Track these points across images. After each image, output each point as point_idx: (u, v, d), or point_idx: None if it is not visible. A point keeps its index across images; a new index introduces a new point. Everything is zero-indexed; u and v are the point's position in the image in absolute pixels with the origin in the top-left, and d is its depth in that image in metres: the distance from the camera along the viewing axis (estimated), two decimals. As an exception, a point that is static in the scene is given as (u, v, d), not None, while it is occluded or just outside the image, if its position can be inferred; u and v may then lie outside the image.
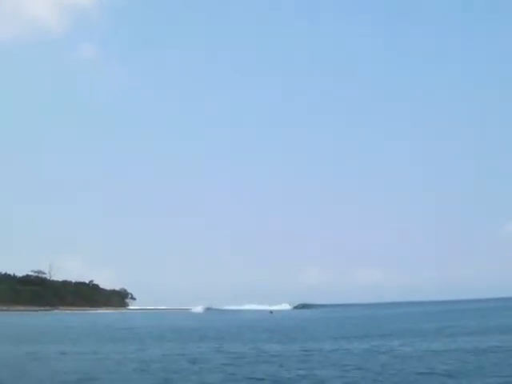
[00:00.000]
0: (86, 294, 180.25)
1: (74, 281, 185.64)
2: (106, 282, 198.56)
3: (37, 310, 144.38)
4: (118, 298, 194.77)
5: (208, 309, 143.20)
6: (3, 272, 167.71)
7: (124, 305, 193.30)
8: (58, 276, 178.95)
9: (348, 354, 25.21)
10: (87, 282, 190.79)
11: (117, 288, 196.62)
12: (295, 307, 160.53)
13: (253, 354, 25.49)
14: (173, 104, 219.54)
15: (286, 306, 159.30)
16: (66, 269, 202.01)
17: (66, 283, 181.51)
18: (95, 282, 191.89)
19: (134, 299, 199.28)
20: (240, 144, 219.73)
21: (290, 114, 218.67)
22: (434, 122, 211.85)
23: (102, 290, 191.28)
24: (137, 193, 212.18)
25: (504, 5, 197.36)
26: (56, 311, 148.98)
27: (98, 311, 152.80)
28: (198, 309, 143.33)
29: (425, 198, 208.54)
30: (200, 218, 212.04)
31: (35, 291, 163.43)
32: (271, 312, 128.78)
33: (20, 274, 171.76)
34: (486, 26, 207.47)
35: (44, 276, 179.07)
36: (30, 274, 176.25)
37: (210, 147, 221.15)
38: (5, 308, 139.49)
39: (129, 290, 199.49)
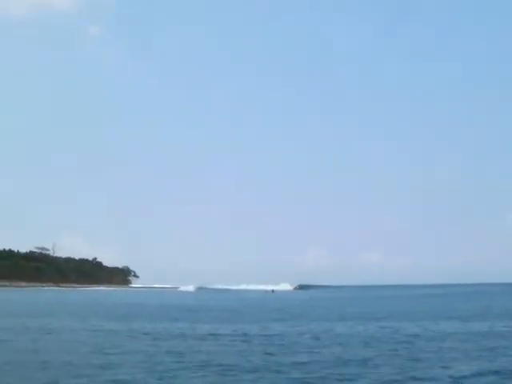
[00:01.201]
0: (88, 271, 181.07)
1: (77, 258, 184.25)
2: (110, 259, 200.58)
3: (39, 287, 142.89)
4: (121, 276, 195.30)
5: (200, 288, 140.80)
6: (7, 248, 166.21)
7: (127, 282, 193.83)
8: (61, 253, 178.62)
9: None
10: (90, 259, 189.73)
11: (120, 266, 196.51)
12: (296, 288, 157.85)
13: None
14: (176, 92, 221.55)
15: (286, 286, 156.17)
16: (69, 246, 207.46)
17: (69, 260, 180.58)
18: (98, 260, 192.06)
19: (137, 277, 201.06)
20: (243, 132, 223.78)
21: (291, 101, 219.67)
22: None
23: (105, 267, 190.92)
24: (141, 180, 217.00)
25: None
26: (57, 288, 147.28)
27: (101, 288, 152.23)
28: (189, 288, 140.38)
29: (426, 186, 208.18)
30: (203, 205, 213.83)
31: (38, 267, 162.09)
32: (273, 291, 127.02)
33: (23, 250, 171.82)
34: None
35: (47, 253, 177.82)
36: (34, 250, 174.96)
37: (213, 136, 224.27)
38: (7, 284, 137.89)
39: (132, 268, 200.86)
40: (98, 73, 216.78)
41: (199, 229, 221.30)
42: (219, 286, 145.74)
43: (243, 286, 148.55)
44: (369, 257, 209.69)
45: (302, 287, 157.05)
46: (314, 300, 72.65)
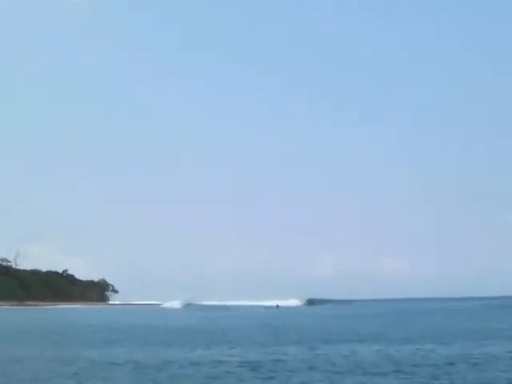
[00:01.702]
0: (59, 286, 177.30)
1: (44, 270, 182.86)
2: (83, 271, 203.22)
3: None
4: (98, 291, 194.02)
5: (187, 304, 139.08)
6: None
7: (104, 299, 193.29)
8: (25, 264, 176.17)
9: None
10: (61, 271, 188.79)
11: (95, 279, 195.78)
12: (305, 303, 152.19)
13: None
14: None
15: (294, 302, 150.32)
16: (35, 256, 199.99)
17: (34, 273, 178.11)
18: (70, 272, 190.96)
19: (116, 292, 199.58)
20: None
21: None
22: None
23: (78, 281, 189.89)
24: (123, 179, 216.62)
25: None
26: (20, 306, 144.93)
27: (74, 306, 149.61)
28: (175, 304, 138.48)
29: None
30: (195, 205, 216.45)
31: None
32: (277, 307, 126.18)
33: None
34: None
35: (9, 264, 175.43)
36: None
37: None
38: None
39: (110, 282, 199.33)
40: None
41: (190, 234, 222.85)
42: (212, 303, 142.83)
43: (243, 302, 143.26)
44: (392, 264, 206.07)
45: (311, 302, 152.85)
46: (327, 317, 71.85)
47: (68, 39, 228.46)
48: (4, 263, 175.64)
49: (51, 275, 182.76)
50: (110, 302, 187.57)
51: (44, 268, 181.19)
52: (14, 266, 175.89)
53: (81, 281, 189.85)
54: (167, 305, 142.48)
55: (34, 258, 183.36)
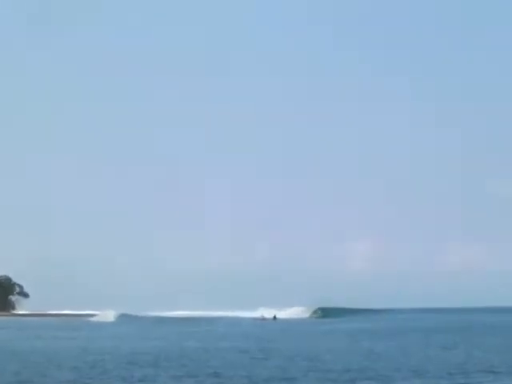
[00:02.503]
0: None
1: None
2: None
3: None
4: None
5: (122, 315, 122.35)
6: None
7: (7, 307, 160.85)
8: None
9: None
10: None
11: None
12: (314, 314, 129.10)
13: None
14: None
15: (298, 311, 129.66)
16: None
17: None
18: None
19: (26, 296, 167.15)
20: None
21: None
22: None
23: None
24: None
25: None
26: None
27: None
28: (108, 316, 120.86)
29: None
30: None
31: None
32: (274, 318, 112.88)
33: None
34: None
35: None
36: None
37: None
38: None
39: (17, 281, 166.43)
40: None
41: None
42: (153, 313, 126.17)
43: (223, 312, 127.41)
44: (447, 258, 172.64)
45: (325, 312, 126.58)
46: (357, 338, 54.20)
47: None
48: None
49: None
50: (17, 312, 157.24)
51: None
52: None
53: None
54: (101, 317, 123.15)
55: None
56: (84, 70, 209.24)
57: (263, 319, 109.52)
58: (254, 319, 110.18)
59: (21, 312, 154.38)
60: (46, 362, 35.41)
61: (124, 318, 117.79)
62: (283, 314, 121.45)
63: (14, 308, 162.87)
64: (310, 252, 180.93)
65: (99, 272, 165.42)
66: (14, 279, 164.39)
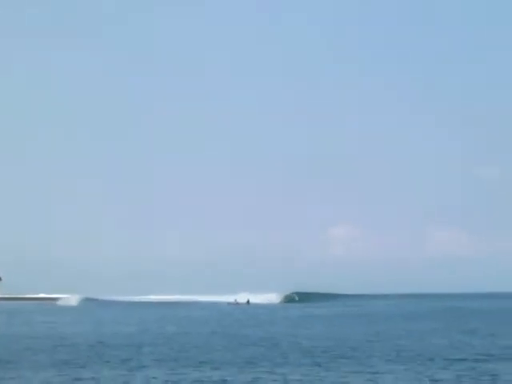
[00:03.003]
0: None
1: None
2: None
3: None
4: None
5: (87, 299, 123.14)
6: None
7: None
8: None
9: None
10: None
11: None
12: (287, 298, 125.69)
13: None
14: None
15: (273, 297, 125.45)
16: None
17: None
18: None
19: None
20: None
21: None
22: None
23: None
24: None
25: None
26: None
27: None
28: (70, 300, 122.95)
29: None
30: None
31: None
32: (248, 302, 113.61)
33: None
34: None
35: None
36: None
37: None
38: None
39: None
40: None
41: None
42: (119, 298, 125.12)
43: (199, 296, 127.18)
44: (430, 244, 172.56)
45: (301, 297, 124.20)
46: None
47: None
48: None
49: None
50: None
51: None
52: None
53: None
54: (63, 301, 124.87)
55: None
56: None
57: (237, 304, 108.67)
58: (228, 304, 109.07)
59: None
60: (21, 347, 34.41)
61: (88, 303, 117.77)
62: (257, 298, 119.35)
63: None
64: (292, 239, 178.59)
65: (73, 256, 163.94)
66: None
